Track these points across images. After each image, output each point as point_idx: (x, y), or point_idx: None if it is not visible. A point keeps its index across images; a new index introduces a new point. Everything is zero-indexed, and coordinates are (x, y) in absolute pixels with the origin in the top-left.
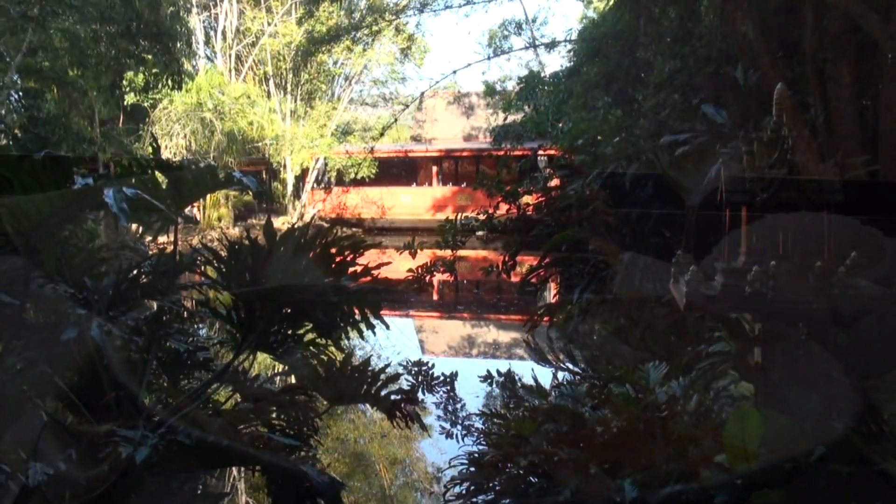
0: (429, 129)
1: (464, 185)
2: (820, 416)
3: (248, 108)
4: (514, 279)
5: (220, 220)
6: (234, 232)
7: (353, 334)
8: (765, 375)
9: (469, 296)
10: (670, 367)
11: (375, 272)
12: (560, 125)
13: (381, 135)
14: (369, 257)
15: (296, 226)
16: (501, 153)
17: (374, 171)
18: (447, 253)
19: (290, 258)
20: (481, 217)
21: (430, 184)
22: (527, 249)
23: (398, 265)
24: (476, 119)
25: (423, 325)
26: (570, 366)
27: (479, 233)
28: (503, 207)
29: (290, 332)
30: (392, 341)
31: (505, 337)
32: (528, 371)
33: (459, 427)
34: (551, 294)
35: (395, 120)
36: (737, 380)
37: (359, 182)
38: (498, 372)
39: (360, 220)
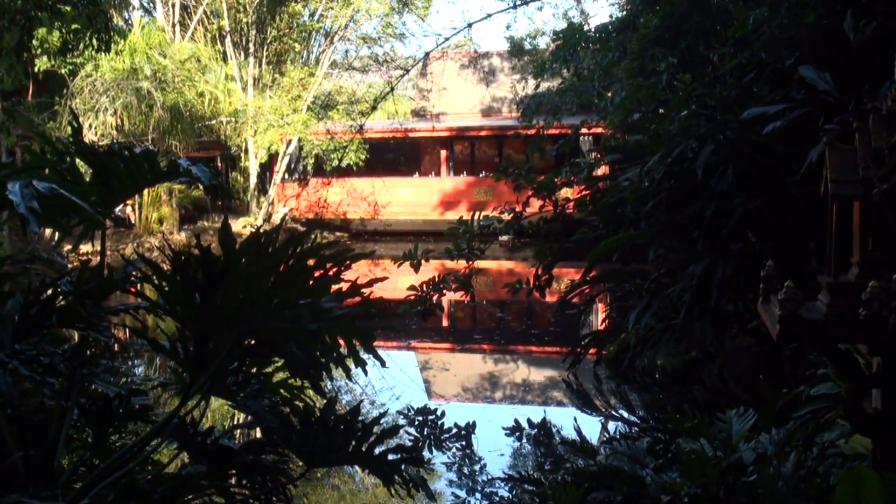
0: (436, 102)
1: (482, 174)
2: None
3: (198, 74)
4: (550, 299)
5: (161, 222)
6: (181, 238)
7: (338, 373)
8: (886, 426)
9: (490, 321)
10: (759, 416)
11: (366, 291)
12: (609, 95)
13: (374, 109)
14: (358, 271)
15: (262, 230)
16: (532, 132)
17: (363, 157)
18: (460, 265)
19: (255, 273)
20: (506, 217)
21: (438, 173)
22: (566, 259)
23: (396, 281)
24: (498, 87)
25: (430, 361)
26: (625, 414)
27: (504, 238)
28: (535, 204)
29: (254, 370)
30: (389, 382)
31: (538, 376)
32: (570, 421)
33: (478, 495)
34: (599, 319)
35: (392, 89)
36: (848, 432)
37: (344, 171)
38: (529, 422)
39: (345, 221)
